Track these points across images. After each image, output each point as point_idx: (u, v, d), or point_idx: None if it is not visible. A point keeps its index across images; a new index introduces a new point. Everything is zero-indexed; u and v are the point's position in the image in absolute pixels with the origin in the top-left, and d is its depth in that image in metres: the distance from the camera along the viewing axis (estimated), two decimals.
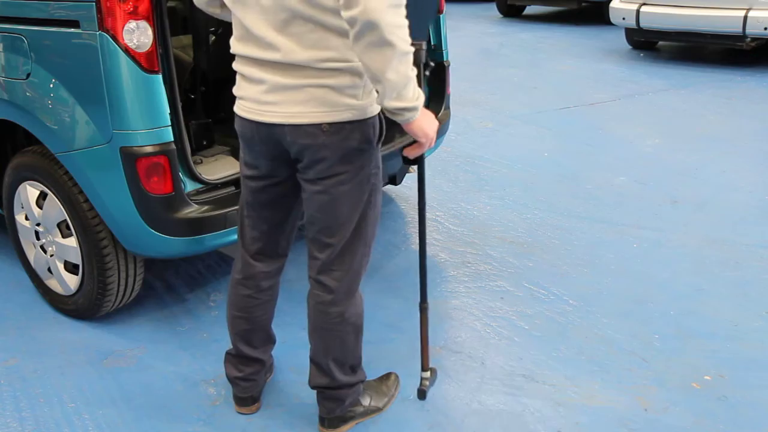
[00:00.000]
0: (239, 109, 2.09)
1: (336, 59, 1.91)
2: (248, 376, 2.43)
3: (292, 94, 1.95)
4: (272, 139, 2.04)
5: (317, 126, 1.95)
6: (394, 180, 3.70)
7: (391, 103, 1.89)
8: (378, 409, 2.43)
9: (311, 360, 2.29)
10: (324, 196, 2.05)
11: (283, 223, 2.26)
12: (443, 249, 3.61)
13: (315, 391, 2.34)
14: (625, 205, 4.09)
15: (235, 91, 2.10)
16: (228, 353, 2.45)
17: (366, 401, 2.41)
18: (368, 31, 1.75)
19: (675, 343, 2.81)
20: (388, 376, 2.55)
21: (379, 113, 2.05)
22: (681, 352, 2.75)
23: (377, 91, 1.91)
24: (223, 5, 2.11)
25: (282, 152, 2.06)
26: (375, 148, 2.07)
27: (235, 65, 2.08)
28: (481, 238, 3.72)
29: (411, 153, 2.12)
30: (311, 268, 2.19)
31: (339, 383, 2.27)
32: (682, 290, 3.18)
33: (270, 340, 2.47)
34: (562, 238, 3.68)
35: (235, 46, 2.05)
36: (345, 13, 1.78)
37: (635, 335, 2.85)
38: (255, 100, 2.02)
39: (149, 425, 2.44)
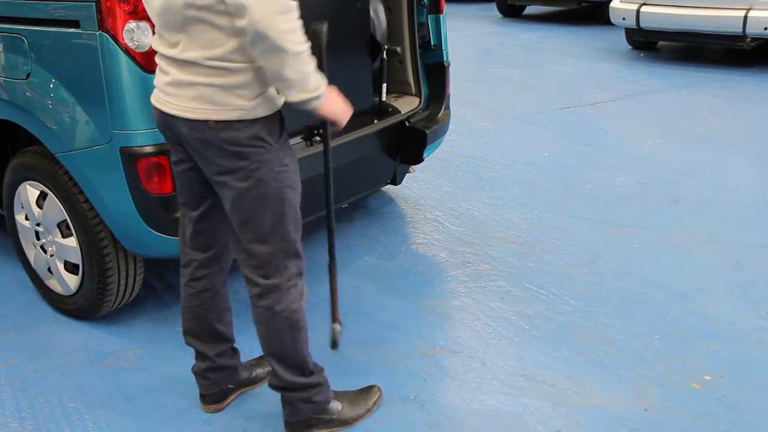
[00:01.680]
0: (152, 97, 2.14)
1: (225, 59, 1.93)
2: (204, 373, 2.43)
3: (185, 89, 1.99)
4: (174, 129, 2.08)
5: (204, 122, 1.99)
6: (394, 180, 3.70)
7: (295, 97, 1.96)
8: (347, 422, 2.36)
9: None
10: (230, 192, 2.07)
11: (208, 211, 2.25)
12: (443, 249, 3.61)
13: None
14: (625, 205, 4.09)
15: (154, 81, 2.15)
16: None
17: (336, 409, 2.35)
18: (259, 40, 1.83)
19: (675, 343, 2.81)
20: (369, 388, 2.49)
21: (278, 111, 2.06)
22: (681, 352, 2.75)
23: (277, 91, 1.99)
24: None
25: (182, 143, 2.11)
26: (274, 146, 2.05)
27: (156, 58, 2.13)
28: (481, 238, 3.72)
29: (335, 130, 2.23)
30: (239, 264, 2.22)
31: (287, 383, 2.25)
32: (682, 290, 3.18)
33: (216, 338, 2.41)
34: (562, 238, 3.68)
35: (153, 41, 2.11)
36: (236, 22, 1.84)
37: (635, 335, 2.85)
38: (161, 90, 2.07)
39: (149, 425, 2.44)
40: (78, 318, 3.05)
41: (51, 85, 2.64)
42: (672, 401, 2.48)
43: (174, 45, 1.99)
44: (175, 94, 2.02)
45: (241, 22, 1.82)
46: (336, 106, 2.13)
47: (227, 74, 1.95)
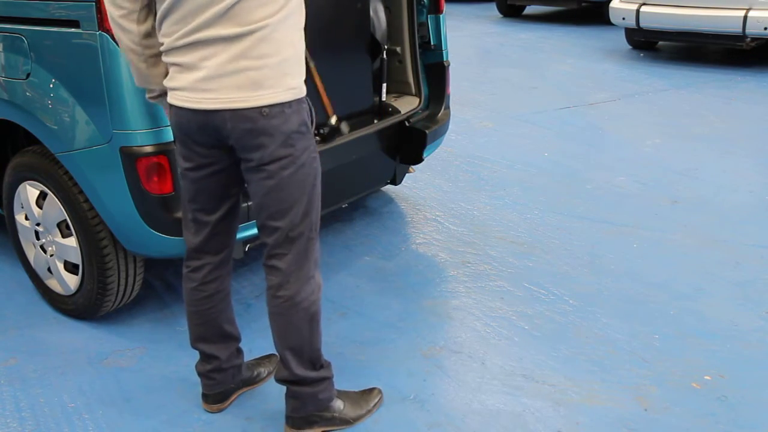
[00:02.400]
0: (175, 99, 2.09)
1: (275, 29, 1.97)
2: (209, 374, 2.42)
3: (229, 78, 1.98)
4: (211, 127, 2.05)
5: (257, 110, 1.99)
6: (394, 180, 3.70)
7: None
8: (347, 422, 2.36)
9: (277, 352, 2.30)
10: (269, 181, 2.07)
11: (228, 213, 2.26)
12: (443, 249, 3.61)
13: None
14: (625, 205, 4.09)
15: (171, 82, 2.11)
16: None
17: (338, 408, 2.35)
18: None
19: (675, 343, 2.81)
20: (371, 390, 2.48)
21: (306, 97, 2.10)
22: (681, 352, 2.75)
23: None
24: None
25: (220, 139, 2.07)
26: (311, 131, 2.11)
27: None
28: (481, 238, 3.72)
29: None
30: (264, 255, 2.20)
31: (298, 377, 2.24)
32: (682, 290, 3.18)
33: (226, 338, 2.42)
34: (562, 238, 3.68)
35: (167, 41, 2.06)
36: None
37: (635, 335, 2.85)
38: (191, 89, 2.03)
39: (149, 425, 2.44)
40: (78, 318, 3.05)
41: (51, 85, 2.64)
42: (672, 401, 2.48)
43: (207, 26, 1.95)
44: (215, 88, 1.99)
45: None
46: None
47: (276, 51, 1.96)
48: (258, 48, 1.95)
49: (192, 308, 2.36)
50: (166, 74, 2.11)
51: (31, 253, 3.11)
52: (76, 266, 2.91)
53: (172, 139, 2.54)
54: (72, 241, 2.86)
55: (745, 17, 6.69)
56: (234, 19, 1.93)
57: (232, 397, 2.50)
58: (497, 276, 3.33)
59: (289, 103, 2.02)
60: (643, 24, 7.43)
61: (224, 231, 2.29)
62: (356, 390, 2.46)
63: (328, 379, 2.31)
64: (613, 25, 8.01)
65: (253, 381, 2.57)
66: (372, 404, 2.44)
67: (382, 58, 3.51)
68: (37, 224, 2.99)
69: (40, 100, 2.70)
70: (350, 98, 3.34)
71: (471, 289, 3.23)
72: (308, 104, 2.11)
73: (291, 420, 2.32)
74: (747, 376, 2.60)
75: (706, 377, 2.60)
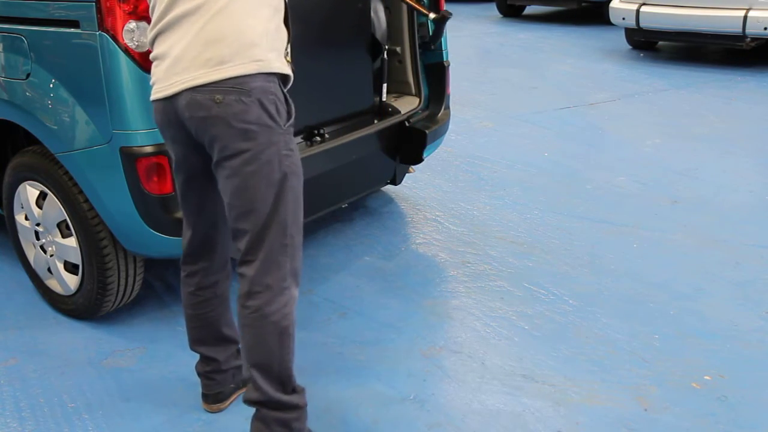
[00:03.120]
0: (153, 94, 2.04)
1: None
2: (209, 374, 2.42)
3: (195, 57, 1.91)
4: (175, 114, 1.98)
5: (210, 98, 1.89)
6: (394, 180, 3.70)
7: None
8: None
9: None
10: (234, 179, 1.95)
11: (219, 215, 2.20)
12: (443, 249, 3.61)
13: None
14: (625, 205, 4.09)
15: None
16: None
17: None
18: None
19: (675, 343, 2.81)
20: None
21: (281, 88, 1.98)
22: (681, 352, 2.75)
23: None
24: None
25: (188, 136, 2.01)
26: (282, 128, 1.97)
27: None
28: (481, 238, 3.71)
29: None
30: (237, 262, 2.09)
31: (266, 397, 2.06)
32: (682, 290, 3.18)
33: (224, 340, 2.39)
34: (562, 238, 3.68)
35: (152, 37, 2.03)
36: None
37: (635, 335, 2.85)
38: (163, 79, 1.98)
39: (149, 425, 2.44)
40: (78, 318, 3.05)
41: (51, 85, 2.64)
42: (672, 401, 2.48)
43: (172, 5, 1.91)
44: (179, 71, 1.93)
45: None
46: None
47: (237, 24, 1.89)
48: (216, 21, 1.88)
49: (190, 311, 2.34)
50: None
51: (31, 253, 3.11)
52: (76, 266, 2.91)
53: None
54: (72, 241, 2.86)
55: (745, 17, 6.69)
56: None
57: (232, 397, 2.50)
58: (497, 276, 3.33)
59: (248, 91, 1.88)
60: (643, 24, 7.43)
61: (214, 235, 2.25)
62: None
63: (300, 408, 2.12)
64: (613, 25, 8.01)
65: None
66: None
67: (383, 58, 3.51)
68: (37, 224, 2.99)
69: (40, 100, 2.70)
70: (350, 98, 3.34)
71: (471, 289, 3.23)
72: (284, 96, 1.99)
73: None
74: (747, 376, 2.60)
75: (706, 377, 2.60)
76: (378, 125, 3.41)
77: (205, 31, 1.90)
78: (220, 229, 2.25)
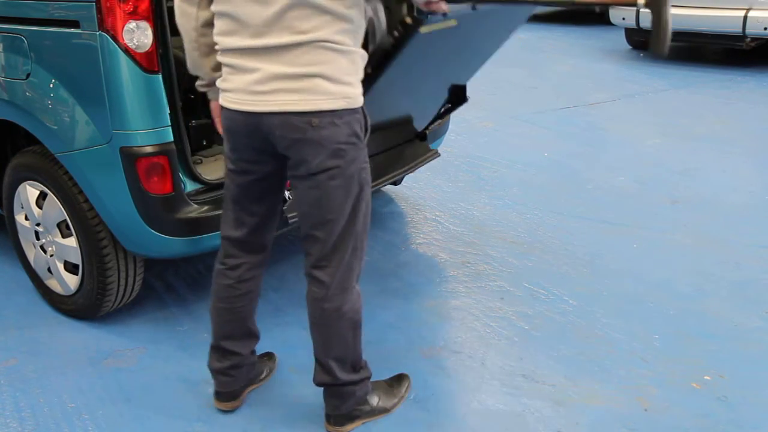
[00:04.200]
0: (227, 101, 2.09)
1: (331, 40, 1.94)
2: (227, 370, 2.42)
3: (284, 82, 1.96)
4: (261, 131, 2.04)
5: (307, 120, 1.97)
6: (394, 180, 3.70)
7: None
8: (385, 410, 2.42)
9: (315, 357, 2.30)
10: (316, 192, 2.06)
11: (268, 216, 2.28)
12: (443, 249, 3.61)
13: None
14: (625, 205, 4.09)
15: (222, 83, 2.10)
16: (211, 345, 2.44)
17: (374, 401, 2.40)
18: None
19: (675, 343, 2.81)
20: (399, 377, 2.55)
21: (362, 107, 2.07)
22: (681, 352, 2.75)
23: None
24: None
25: (269, 146, 2.07)
26: (362, 142, 2.08)
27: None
28: (481, 238, 3.72)
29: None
30: (306, 264, 2.21)
31: (341, 381, 2.28)
32: (682, 290, 3.18)
33: (250, 335, 2.45)
34: (562, 238, 3.68)
35: (221, 39, 2.05)
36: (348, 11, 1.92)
37: (635, 335, 2.85)
38: (245, 91, 2.02)
39: (149, 425, 2.44)
40: (78, 318, 3.05)
41: (51, 85, 2.64)
42: (672, 401, 2.48)
43: (261, 34, 1.95)
44: (268, 91, 1.97)
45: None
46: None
47: (333, 58, 1.94)
48: (311, 55, 1.94)
49: (222, 305, 2.36)
50: (217, 67, 2.12)
51: (31, 253, 3.11)
52: (76, 266, 2.91)
53: (172, 139, 2.55)
54: (72, 241, 2.86)
55: (745, 17, 6.69)
56: (286, 29, 1.92)
57: (244, 394, 2.50)
58: (497, 276, 3.33)
59: (340, 113, 1.98)
60: (643, 24, 7.44)
61: (264, 232, 2.30)
62: (385, 379, 2.52)
63: (367, 378, 2.38)
64: (613, 25, 8.02)
65: (257, 379, 2.58)
66: (403, 390, 2.50)
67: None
68: (37, 224, 2.99)
69: (40, 101, 2.70)
70: (410, 123, 3.35)
71: (471, 289, 3.23)
72: (363, 114, 2.08)
73: (333, 418, 2.36)
74: (747, 376, 2.60)
75: (706, 377, 2.60)
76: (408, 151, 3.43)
77: (300, 61, 1.95)
78: (271, 228, 2.32)
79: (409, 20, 2.32)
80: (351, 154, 2.04)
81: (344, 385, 2.31)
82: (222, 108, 2.12)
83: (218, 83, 2.11)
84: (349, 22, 1.95)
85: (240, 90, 2.03)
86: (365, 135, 2.10)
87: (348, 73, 1.99)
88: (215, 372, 2.44)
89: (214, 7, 2.04)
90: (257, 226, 2.27)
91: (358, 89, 2.03)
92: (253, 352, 2.51)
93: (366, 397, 2.38)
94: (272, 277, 3.28)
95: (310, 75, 1.95)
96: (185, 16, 2.12)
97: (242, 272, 2.32)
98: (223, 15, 2.02)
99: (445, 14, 2.12)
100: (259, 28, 1.95)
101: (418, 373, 2.63)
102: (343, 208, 2.09)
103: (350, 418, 2.36)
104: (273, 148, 2.06)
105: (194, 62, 2.21)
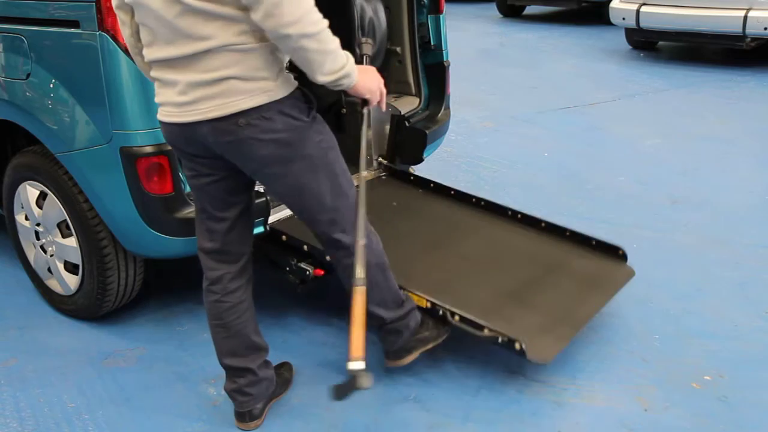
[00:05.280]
0: (159, 115, 2.09)
1: (237, 42, 1.91)
2: (243, 389, 2.34)
3: (205, 89, 1.94)
4: (196, 140, 2.03)
5: (234, 122, 1.95)
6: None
7: (323, 79, 1.93)
8: (437, 338, 2.56)
9: None
10: (282, 180, 2.10)
11: (237, 220, 2.24)
12: None
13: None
14: (625, 205, 4.09)
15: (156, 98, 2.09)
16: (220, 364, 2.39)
17: (425, 329, 2.53)
18: (280, 40, 1.85)
19: (675, 343, 2.81)
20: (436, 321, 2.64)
21: (299, 89, 2.04)
22: (681, 352, 2.75)
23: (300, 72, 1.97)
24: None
25: (210, 152, 2.06)
26: (306, 120, 2.05)
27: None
28: None
29: (364, 107, 2.23)
30: (318, 239, 2.32)
31: (390, 319, 2.41)
32: (682, 290, 3.18)
33: (255, 348, 2.36)
34: None
35: (146, 53, 2.04)
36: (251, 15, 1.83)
37: (635, 335, 2.85)
38: (172, 104, 2.01)
39: (149, 425, 2.44)
40: (78, 318, 3.05)
41: (51, 85, 2.64)
42: (672, 401, 2.48)
43: (170, 43, 1.93)
44: (191, 101, 1.96)
45: (255, 15, 1.80)
46: (371, 82, 2.10)
47: (241, 59, 1.91)
48: (219, 60, 1.91)
49: (217, 322, 2.30)
50: None
51: (31, 253, 3.12)
52: (76, 266, 2.91)
53: None
54: (72, 241, 2.86)
55: (745, 17, 6.69)
56: (188, 38, 1.90)
57: (266, 411, 2.43)
58: None
59: (265, 107, 1.95)
60: (643, 24, 7.44)
61: (237, 238, 2.26)
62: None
63: (413, 309, 2.50)
64: (613, 25, 8.01)
65: (276, 394, 2.49)
66: (442, 327, 2.59)
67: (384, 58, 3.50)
68: (37, 224, 2.99)
69: (40, 101, 2.70)
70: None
71: None
72: (301, 95, 2.04)
73: (392, 354, 2.51)
74: (747, 376, 2.60)
75: (706, 377, 2.60)
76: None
77: (211, 66, 1.93)
78: (243, 233, 2.28)
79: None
80: (298, 135, 2.03)
81: (394, 322, 2.42)
82: (159, 122, 2.12)
83: (155, 99, 2.09)
84: (245, 23, 1.88)
85: (169, 103, 2.03)
86: (310, 111, 2.06)
87: (260, 69, 1.94)
88: (233, 392, 2.36)
89: (135, 18, 2.04)
90: (228, 233, 2.23)
91: (279, 79, 1.97)
92: (267, 364, 2.41)
93: (418, 326, 2.50)
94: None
95: (224, 78, 1.93)
96: (122, 24, 2.12)
97: (225, 284, 2.27)
98: (142, 25, 2.01)
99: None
100: (168, 37, 1.94)
101: (418, 373, 2.62)
102: (319, 183, 2.11)
103: (407, 350, 2.50)
104: (215, 152, 2.06)
105: (141, 68, 2.21)
